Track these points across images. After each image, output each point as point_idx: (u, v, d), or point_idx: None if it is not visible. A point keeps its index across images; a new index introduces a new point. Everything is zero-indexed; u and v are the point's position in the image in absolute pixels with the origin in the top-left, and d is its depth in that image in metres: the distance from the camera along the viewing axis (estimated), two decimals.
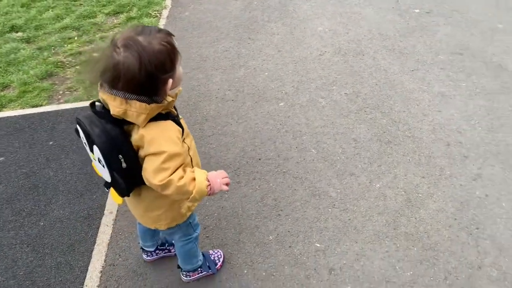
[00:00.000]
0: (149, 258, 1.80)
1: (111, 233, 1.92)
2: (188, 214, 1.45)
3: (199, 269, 1.72)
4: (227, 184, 1.29)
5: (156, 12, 3.90)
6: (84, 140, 1.21)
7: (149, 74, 1.07)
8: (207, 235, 1.89)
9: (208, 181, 1.24)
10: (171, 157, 1.15)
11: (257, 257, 1.79)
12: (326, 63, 3.02)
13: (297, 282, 1.68)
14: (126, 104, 1.09)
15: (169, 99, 1.17)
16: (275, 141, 2.38)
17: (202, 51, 3.29)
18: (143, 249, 1.78)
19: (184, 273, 1.72)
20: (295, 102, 2.67)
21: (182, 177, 1.19)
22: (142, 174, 1.19)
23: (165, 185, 1.17)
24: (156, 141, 1.14)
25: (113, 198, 1.33)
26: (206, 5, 4.05)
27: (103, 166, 1.18)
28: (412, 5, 3.72)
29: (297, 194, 2.05)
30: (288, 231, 1.88)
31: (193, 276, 1.72)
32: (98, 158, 1.18)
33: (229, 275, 1.73)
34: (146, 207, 1.36)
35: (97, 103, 1.17)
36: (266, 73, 2.95)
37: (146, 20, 3.76)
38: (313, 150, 2.30)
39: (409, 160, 2.19)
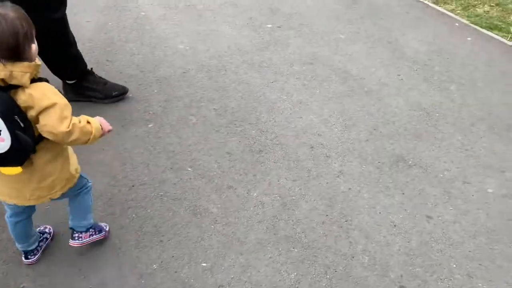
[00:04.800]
0: (33, 258, 1.73)
1: None
2: (77, 176, 1.58)
3: (91, 230, 1.75)
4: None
5: None
6: None
7: (16, 37, 1.22)
8: (83, 276, 1.73)
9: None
10: (65, 106, 1.33)
11: None
12: (191, 81, 3.03)
13: None
14: (10, 66, 1.22)
15: (39, 61, 1.33)
16: (148, 164, 2.29)
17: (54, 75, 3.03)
18: (26, 251, 1.71)
19: (76, 235, 1.72)
20: (165, 122, 2.62)
21: (80, 121, 1.39)
22: (43, 130, 1.32)
23: (71, 130, 1.34)
24: (47, 95, 1.30)
25: (8, 172, 1.36)
26: None
27: None
28: (264, 21, 3.96)
29: (177, 216, 2.00)
30: (172, 256, 1.82)
31: (84, 238, 1.74)
32: None
33: None
34: (41, 176, 1.42)
35: None
36: (130, 95, 2.83)
37: None
38: (189, 169, 2.28)
39: (280, 166, 2.31)
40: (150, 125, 2.59)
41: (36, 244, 1.74)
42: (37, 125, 1.32)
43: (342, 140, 2.51)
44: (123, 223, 1.95)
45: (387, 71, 3.24)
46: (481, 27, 4.04)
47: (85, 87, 2.71)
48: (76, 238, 1.73)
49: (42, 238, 1.78)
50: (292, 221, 1.99)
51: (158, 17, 3.90)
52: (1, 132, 1.24)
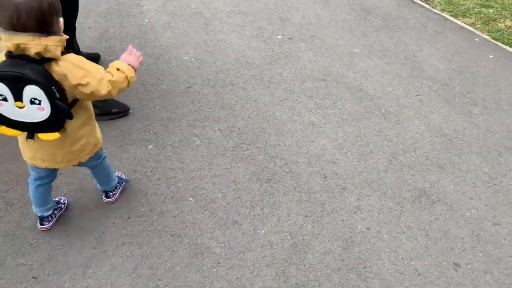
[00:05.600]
0: (48, 224, 1.86)
1: None
2: (101, 140, 1.75)
3: (118, 184, 2.00)
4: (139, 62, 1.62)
5: None
6: (3, 93, 1.33)
7: (48, 12, 1.31)
8: None
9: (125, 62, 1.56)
10: (97, 70, 1.45)
11: None
12: (196, 96, 2.83)
13: None
14: (45, 40, 1.30)
15: (65, 36, 1.40)
16: (146, 193, 2.09)
17: None
18: (42, 217, 1.85)
19: (110, 193, 1.98)
20: (166, 143, 2.42)
21: (112, 74, 1.50)
22: (88, 97, 1.48)
23: (111, 90, 1.47)
24: (79, 65, 1.41)
25: (46, 138, 1.48)
26: None
27: (39, 104, 1.35)
28: (274, 31, 3.75)
29: (176, 256, 1.80)
30: None
31: (116, 192, 2.01)
32: (31, 99, 1.35)
33: None
34: (72, 140, 1.57)
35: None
36: (130, 111, 2.64)
37: None
38: (190, 199, 2.08)
39: (291, 198, 2.11)
40: (150, 146, 2.39)
41: (51, 211, 1.87)
42: (81, 94, 1.45)
43: (359, 170, 2.30)
44: (116, 263, 1.75)
45: (405, 90, 3.03)
46: (503, 43, 3.83)
47: None
48: (111, 195, 1.99)
49: (57, 207, 1.91)
50: (304, 266, 1.79)
51: (162, 25, 3.71)
52: (41, 103, 1.36)
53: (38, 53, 1.31)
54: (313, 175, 2.24)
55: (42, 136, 1.48)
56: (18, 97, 1.34)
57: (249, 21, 3.89)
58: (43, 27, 1.31)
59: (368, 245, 1.89)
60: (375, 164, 2.34)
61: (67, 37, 1.40)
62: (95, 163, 1.80)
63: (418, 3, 4.56)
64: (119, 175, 2.07)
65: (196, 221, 1.96)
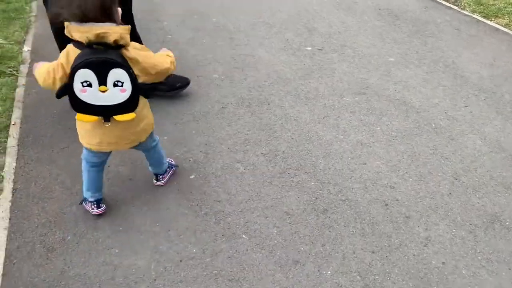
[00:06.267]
0: (103, 206, 1.95)
1: None
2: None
3: (168, 169, 2.14)
4: None
5: (11, 70, 3.14)
6: (89, 79, 1.49)
7: (109, 2, 1.47)
8: None
9: None
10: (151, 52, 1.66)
11: None
12: (232, 118, 2.67)
13: None
14: (119, 28, 1.46)
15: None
16: (195, 230, 1.93)
17: None
18: (98, 200, 1.93)
19: (160, 177, 2.10)
20: (208, 172, 2.26)
21: (168, 54, 1.74)
22: (157, 76, 1.65)
23: (172, 63, 1.70)
24: (143, 47, 1.62)
25: (123, 118, 1.62)
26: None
27: (121, 85, 1.52)
28: (303, 42, 3.59)
29: None
30: None
31: (165, 177, 2.13)
32: (114, 82, 1.51)
33: None
34: (138, 120, 1.71)
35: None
36: (165, 137, 2.48)
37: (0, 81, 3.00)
38: (244, 236, 1.91)
39: (353, 231, 1.94)
40: (192, 176, 2.23)
41: (102, 195, 1.97)
42: (147, 74, 1.60)
43: (421, 195, 2.12)
44: None
45: (452, 101, 2.85)
46: None
47: None
48: (161, 179, 2.11)
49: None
50: None
51: (186, 41, 3.56)
52: (124, 84, 1.52)
53: (115, 41, 1.44)
54: (372, 203, 2.07)
55: (119, 117, 1.61)
56: (102, 81, 1.50)
57: (275, 33, 3.74)
58: (109, 17, 1.48)
59: (447, 283, 1.71)
60: (437, 187, 2.17)
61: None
62: (151, 145, 1.94)
63: (446, 5, 4.39)
64: (169, 160, 2.18)
65: (254, 262, 1.80)
